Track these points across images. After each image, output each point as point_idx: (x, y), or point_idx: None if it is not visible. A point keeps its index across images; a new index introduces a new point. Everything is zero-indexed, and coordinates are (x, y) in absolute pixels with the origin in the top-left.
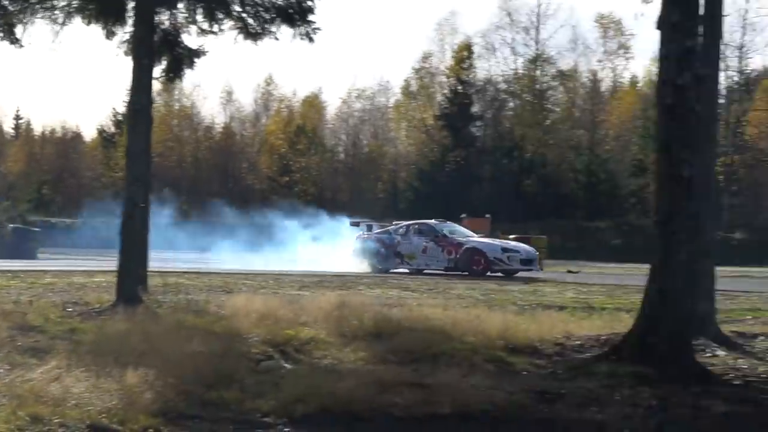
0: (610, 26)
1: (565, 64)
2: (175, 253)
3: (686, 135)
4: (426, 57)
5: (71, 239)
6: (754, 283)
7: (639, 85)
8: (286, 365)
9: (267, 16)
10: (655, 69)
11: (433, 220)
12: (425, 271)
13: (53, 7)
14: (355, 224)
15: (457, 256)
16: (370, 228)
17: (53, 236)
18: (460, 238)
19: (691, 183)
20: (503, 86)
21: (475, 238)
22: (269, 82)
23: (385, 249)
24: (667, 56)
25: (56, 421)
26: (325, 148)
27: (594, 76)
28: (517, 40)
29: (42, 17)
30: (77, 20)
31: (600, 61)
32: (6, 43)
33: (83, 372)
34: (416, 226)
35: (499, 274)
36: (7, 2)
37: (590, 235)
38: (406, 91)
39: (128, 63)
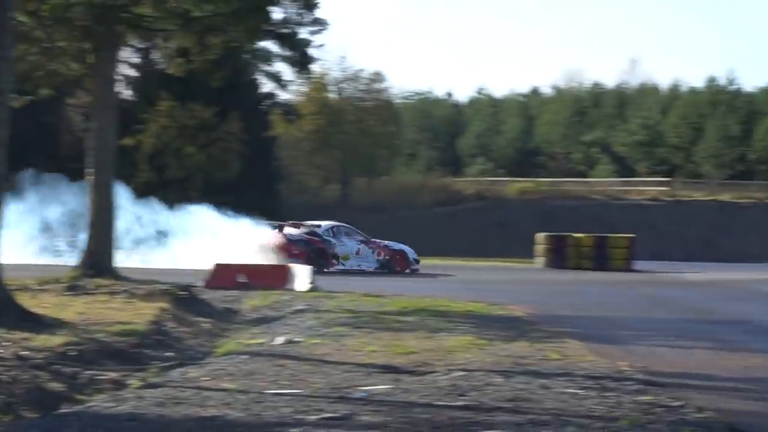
0: None
1: None
2: None
3: None
4: None
5: None
6: None
7: None
8: None
9: None
10: None
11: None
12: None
13: None
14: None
15: (386, 257)
16: (281, 228)
17: None
18: (381, 241)
19: None
20: None
21: (390, 242)
22: None
23: (315, 249)
24: None
25: None
26: None
27: None
28: None
29: None
30: None
31: None
32: None
33: None
34: (342, 229)
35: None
36: None
37: None
38: None
39: None
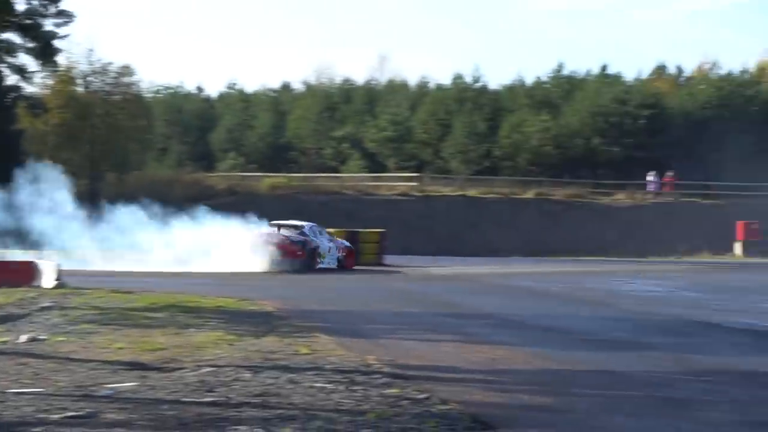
0: None
1: None
2: None
3: None
4: None
5: None
6: None
7: None
8: None
9: None
10: None
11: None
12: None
13: None
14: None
15: (344, 255)
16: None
17: None
18: (339, 239)
19: None
20: None
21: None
22: None
23: (310, 249)
24: None
25: None
26: None
27: None
28: None
29: None
30: None
31: None
32: None
33: None
34: (317, 228)
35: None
36: None
37: None
38: None
39: None
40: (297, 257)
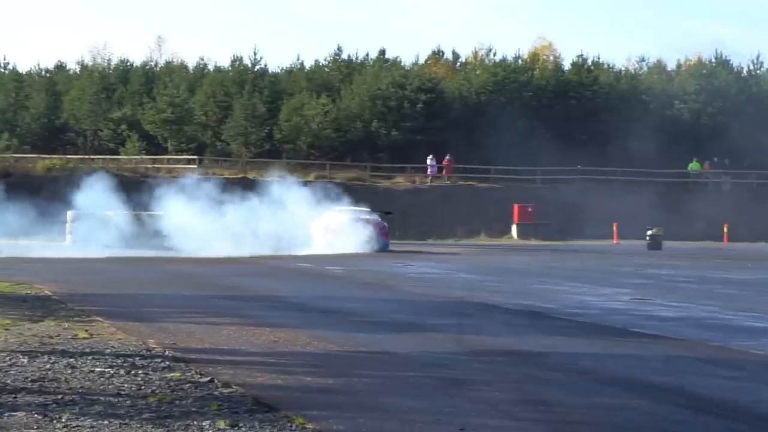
0: None
1: None
2: None
3: None
4: None
5: None
6: None
7: None
8: None
9: None
10: None
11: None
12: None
13: None
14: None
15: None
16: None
17: None
18: None
19: None
20: None
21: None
22: None
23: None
24: None
25: None
26: None
27: None
28: None
29: None
30: None
31: None
32: None
33: None
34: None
35: None
36: None
37: None
38: None
39: None
40: (387, 237)
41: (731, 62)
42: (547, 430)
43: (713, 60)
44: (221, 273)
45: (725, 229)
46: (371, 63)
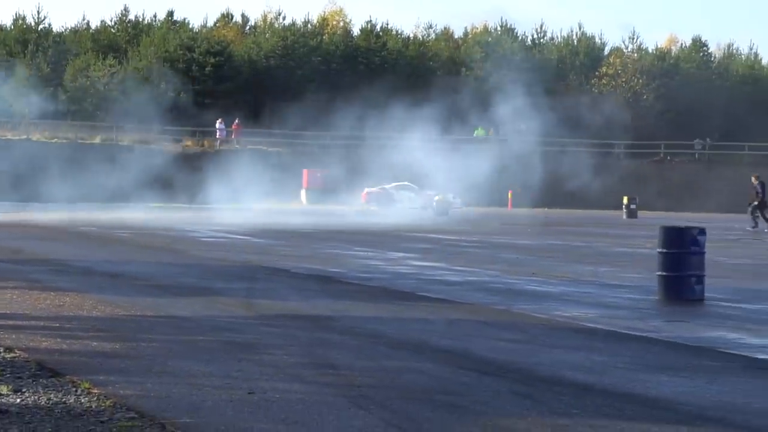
0: None
1: None
2: None
3: None
4: None
5: None
6: None
7: None
8: None
9: None
10: None
11: None
12: None
13: None
14: None
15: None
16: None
17: None
18: None
19: None
20: None
21: None
22: None
23: None
24: None
25: None
26: None
27: None
28: None
29: None
30: None
31: None
32: None
33: None
34: None
35: None
36: None
37: None
38: None
39: None
40: None
41: (516, 30)
42: (335, 393)
43: (499, 28)
44: (2, 237)
45: (509, 195)
46: (159, 25)
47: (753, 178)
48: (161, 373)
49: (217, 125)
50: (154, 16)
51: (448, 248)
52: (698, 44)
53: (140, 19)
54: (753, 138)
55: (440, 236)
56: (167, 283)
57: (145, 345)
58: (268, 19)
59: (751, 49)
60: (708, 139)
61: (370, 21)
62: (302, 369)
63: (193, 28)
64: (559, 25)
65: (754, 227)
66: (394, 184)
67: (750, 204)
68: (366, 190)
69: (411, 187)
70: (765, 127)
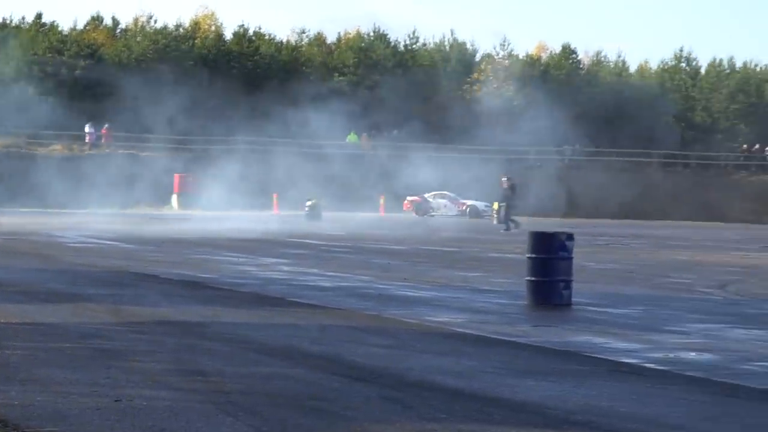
0: None
1: None
2: None
3: None
4: None
5: None
6: None
7: None
8: None
9: None
10: None
11: None
12: None
13: None
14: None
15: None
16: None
17: None
18: None
19: None
20: None
21: None
22: None
23: None
24: None
25: None
26: None
27: None
28: None
29: None
30: None
31: None
32: None
33: None
34: None
35: None
36: None
37: None
38: None
39: None
40: None
41: (389, 36)
42: (203, 399)
43: (371, 34)
44: None
45: (382, 201)
46: (27, 27)
47: (503, 180)
48: (26, 381)
49: (87, 129)
50: (22, 19)
51: (321, 253)
52: (567, 51)
53: (7, 21)
54: (620, 144)
55: (311, 241)
56: (34, 289)
57: (9, 353)
58: (140, 23)
59: (619, 56)
60: (577, 145)
61: (243, 25)
62: (170, 376)
63: (62, 30)
64: (432, 32)
65: (506, 229)
66: (432, 193)
67: (501, 205)
68: (408, 198)
69: (448, 195)
70: (633, 132)
